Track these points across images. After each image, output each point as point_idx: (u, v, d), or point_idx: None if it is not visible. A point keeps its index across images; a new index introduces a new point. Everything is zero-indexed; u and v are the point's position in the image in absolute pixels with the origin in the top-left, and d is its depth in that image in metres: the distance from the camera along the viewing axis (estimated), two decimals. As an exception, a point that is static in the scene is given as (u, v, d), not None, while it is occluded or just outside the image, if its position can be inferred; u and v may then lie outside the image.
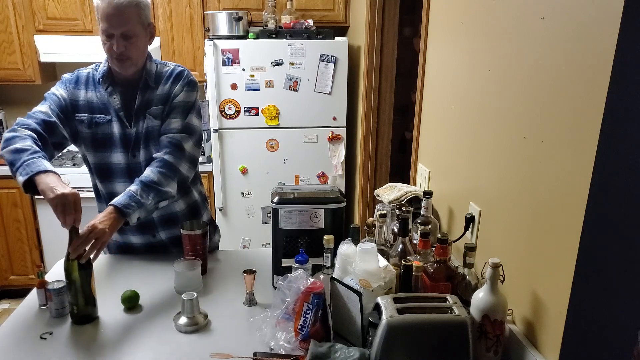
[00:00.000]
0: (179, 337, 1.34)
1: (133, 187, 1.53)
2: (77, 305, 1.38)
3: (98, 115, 1.65)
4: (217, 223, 2.08)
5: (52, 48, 3.14)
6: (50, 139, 1.57)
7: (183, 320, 1.37)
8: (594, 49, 0.90)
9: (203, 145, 3.36)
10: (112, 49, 1.55)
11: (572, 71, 0.97)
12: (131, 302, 1.46)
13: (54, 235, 3.16)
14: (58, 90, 1.65)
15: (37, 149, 1.46)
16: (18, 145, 1.44)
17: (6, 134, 1.50)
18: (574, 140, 0.97)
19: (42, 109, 1.60)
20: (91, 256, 1.37)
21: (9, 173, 3.27)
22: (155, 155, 1.63)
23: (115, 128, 1.66)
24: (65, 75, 1.69)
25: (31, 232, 3.21)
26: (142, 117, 1.66)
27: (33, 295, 1.52)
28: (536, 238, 1.11)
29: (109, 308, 1.46)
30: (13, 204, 3.15)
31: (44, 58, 3.15)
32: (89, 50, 3.13)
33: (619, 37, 0.83)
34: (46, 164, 1.40)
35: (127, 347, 1.29)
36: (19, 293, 3.24)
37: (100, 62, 1.69)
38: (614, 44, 0.84)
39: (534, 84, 1.11)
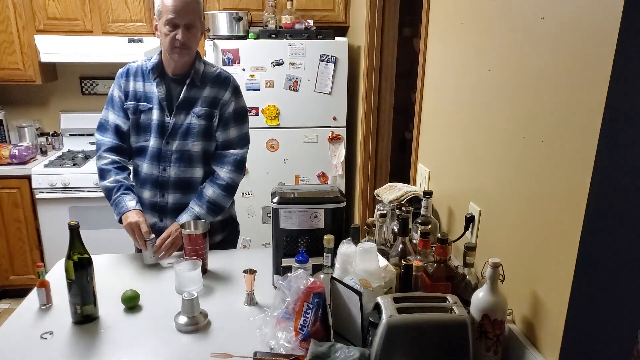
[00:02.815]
0: (179, 337, 1.34)
1: (198, 210, 1.79)
2: (78, 304, 1.38)
3: (142, 103, 1.83)
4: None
5: (52, 48, 3.14)
6: (125, 143, 1.87)
7: (183, 320, 1.37)
8: (594, 49, 0.90)
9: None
10: (176, 39, 1.71)
11: (571, 71, 0.97)
12: (131, 302, 1.47)
13: (55, 235, 3.16)
14: (115, 91, 1.86)
15: (120, 180, 1.80)
16: (107, 183, 1.80)
17: (97, 164, 1.84)
18: (574, 140, 0.97)
19: (111, 117, 1.85)
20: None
21: (9, 173, 3.29)
22: (219, 172, 1.84)
23: (155, 115, 1.82)
24: (119, 71, 1.88)
25: (32, 231, 3.20)
26: (185, 112, 1.82)
27: (33, 295, 1.52)
28: (536, 238, 1.11)
29: (109, 308, 1.46)
30: (13, 204, 3.14)
31: (44, 58, 3.15)
32: (89, 50, 3.13)
33: (619, 37, 0.83)
34: (128, 204, 1.76)
35: (127, 347, 1.30)
36: (19, 293, 3.24)
37: (151, 57, 1.87)
38: (614, 44, 0.84)
39: (533, 84, 1.11)
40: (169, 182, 1.85)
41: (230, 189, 1.84)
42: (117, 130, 1.84)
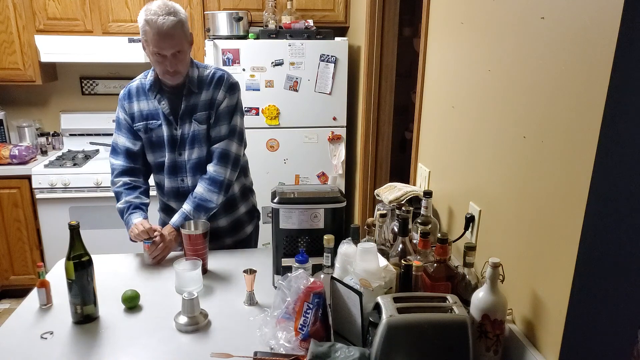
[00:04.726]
0: (179, 337, 1.34)
1: (187, 207, 1.80)
2: (79, 304, 1.38)
3: (151, 121, 1.85)
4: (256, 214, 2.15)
5: (52, 48, 3.14)
6: (137, 164, 1.90)
7: (183, 319, 1.37)
8: (594, 49, 0.90)
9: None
10: (166, 68, 1.71)
11: (572, 71, 0.97)
12: (131, 302, 1.47)
13: (55, 235, 3.16)
14: (120, 114, 1.88)
15: (131, 200, 1.82)
16: (119, 204, 1.84)
17: (112, 189, 1.88)
18: (574, 140, 0.97)
19: (120, 140, 1.88)
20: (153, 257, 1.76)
21: (9, 173, 3.29)
22: (208, 167, 1.83)
23: (165, 131, 1.84)
24: (120, 93, 1.89)
25: (32, 232, 3.20)
26: (188, 120, 1.83)
27: (33, 295, 1.52)
28: (536, 238, 1.11)
29: (109, 308, 1.46)
30: (14, 204, 3.14)
31: (44, 58, 3.15)
32: (89, 50, 3.13)
33: (619, 37, 0.83)
34: (134, 220, 1.78)
35: (127, 347, 1.30)
36: (19, 293, 3.24)
37: (148, 72, 1.86)
38: (614, 43, 0.84)
39: (533, 84, 1.11)
40: (189, 191, 1.87)
41: (215, 182, 1.81)
42: (128, 153, 1.87)
